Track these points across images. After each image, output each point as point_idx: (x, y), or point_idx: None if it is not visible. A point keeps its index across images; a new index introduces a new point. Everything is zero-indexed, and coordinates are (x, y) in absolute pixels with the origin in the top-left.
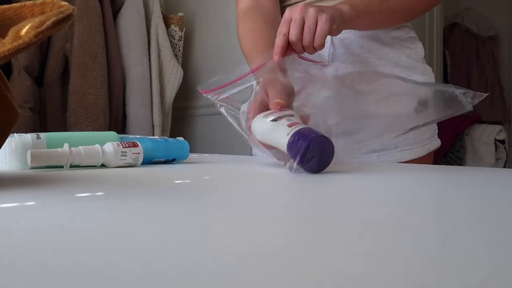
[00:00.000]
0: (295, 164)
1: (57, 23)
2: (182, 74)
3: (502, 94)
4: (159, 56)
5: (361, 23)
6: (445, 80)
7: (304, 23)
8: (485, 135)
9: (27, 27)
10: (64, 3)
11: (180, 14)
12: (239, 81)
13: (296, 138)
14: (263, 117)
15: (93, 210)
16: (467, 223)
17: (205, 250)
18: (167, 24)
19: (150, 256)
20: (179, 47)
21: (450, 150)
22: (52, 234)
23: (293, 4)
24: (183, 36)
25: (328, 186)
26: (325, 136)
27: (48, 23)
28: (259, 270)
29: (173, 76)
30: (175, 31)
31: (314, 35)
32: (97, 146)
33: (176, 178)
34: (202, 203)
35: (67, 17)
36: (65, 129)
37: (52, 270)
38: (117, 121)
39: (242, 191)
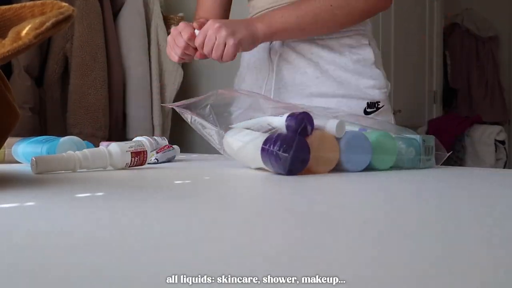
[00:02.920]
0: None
1: (57, 24)
2: (182, 75)
3: (502, 95)
4: (159, 57)
5: (278, 38)
6: (445, 80)
7: (216, 38)
8: (485, 136)
9: (27, 28)
10: (64, 4)
11: (180, 14)
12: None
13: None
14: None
15: (93, 210)
16: (467, 223)
17: (205, 250)
18: (167, 24)
19: (150, 256)
20: None
21: (450, 150)
22: (52, 234)
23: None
24: None
25: (329, 186)
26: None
27: (48, 24)
28: (259, 270)
29: (173, 77)
30: None
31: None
32: (103, 148)
33: (176, 178)
34: (202, 203)
35: (67, 18)
36: (65, 129)
37: (52, 270)
38: (117, 121)
39: (242, 191)
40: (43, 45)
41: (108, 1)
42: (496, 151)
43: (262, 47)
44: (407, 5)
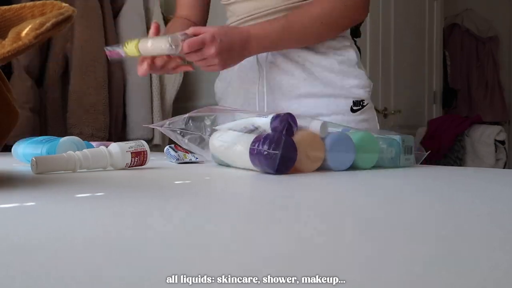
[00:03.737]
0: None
1: (57, 25)
2: (182, 75)
3: (502, 95)
4: None
5: (267, 51)
6: (445, 80)
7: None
8: (485, 136)
9: (27, 28)
10: (64, 4)
11: None
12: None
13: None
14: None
15: (93, 210)
16: (467, 223)
17: (206, 250)
18: (167, 24)
19: (150, 256)
20: None
21: (450, 150)
22: (52, 234)
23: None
24: None
25: (329, 186)
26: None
27: (48, 24)
28: (259, 270)
29: (173, 77)
30: None
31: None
32: (103, 148)
33: (176, 178)
34: (202, 204)
35: (67, 19)
36: (65, 129)
37: (52, 270)
38: (117, 121)
39: (242, 191)
40: (43, 45)
41: (108, 1)
42: (496, 151)
43: None
44: (407, 5)
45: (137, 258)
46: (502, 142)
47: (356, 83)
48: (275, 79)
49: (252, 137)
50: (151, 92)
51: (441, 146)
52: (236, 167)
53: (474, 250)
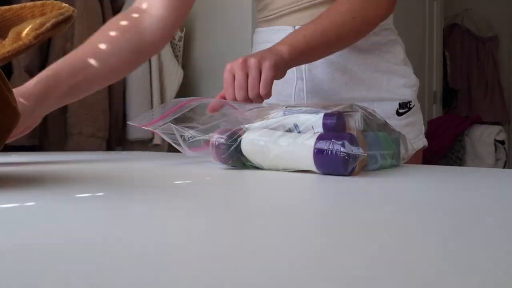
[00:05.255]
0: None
1: (57, 25)
2: (182, 75)
3: (502, 95)
4: (159, 57)
5: (305, 59)
6: (445, 81)
7: (247, 77)
8: (484, 136)
9: (27, 28)
10: (64, 4)
11: None
12: (171, 113)
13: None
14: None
15: (93, 210)
16: (467, 223)
17: (206, 251)
18: None
19: (150, 256)
20: (179, 47)
21: (450, 150)
22: (52, 234)
23: (275, 13)
24: (183, 36)
25: (329, 186)
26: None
27: (48, 25)
28: (259, 270)
29: (173, 77)
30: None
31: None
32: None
33: (176, 178)
34: (203, 204)
35: (67, 19)
36: (65, 129)
37: (52, 270)
38: (117, 121)
39: (243, 191)
40: (43, 45)
41: (108, 1)
42: (495, 151)
43: None
44: (407, 5)
45: (137, 258)
46: (502, 142)
47: (402, 82)
48: (314, 81)
49: (301, 136)
50: (151, 92)
51: (441, 146)
52: (275, 170)
53: (474, 250)
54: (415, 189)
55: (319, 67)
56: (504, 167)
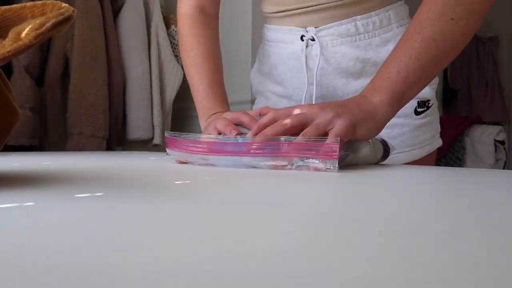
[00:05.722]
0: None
1: (57, 25)
2: (182, 75)
3: (502, 95)
4: (159, 56)
5: (407, 100)
6: (445, 81)
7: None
8: (484, 136)
9: (27, 28)
10: (64, 4)
11: None
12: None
13: None
14: None
15: (93, 210)
16: (467, 223)
17: (206, 251)
18: (167, 24)
19: (150, 256)
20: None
21: (449, 150)
22: (52, 235)
23: (284, 12)
24: None
25: (329, 185)
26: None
27: (48, 25)
28: (259, 271)
29: (173, 77)
30: (175, 31)
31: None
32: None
33: (176, 178)
34: (203, 204)
35: (67, 19)
36: (65, 129)
37: (51, 270)
38: (117, 121)
39: (243, 191)
40: (43, 45)
41: (108, 1)
42: (495, 151)
43: (294, 52)
44: (407, 5)
45: (137, 258)
46: (502, 142)
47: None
48: (328, 88)
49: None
50: (151, 92)
51: (441, 146)
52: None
53: (474, 250)
54: (415, 189)
55: (332, 73)
56: (504, 167)
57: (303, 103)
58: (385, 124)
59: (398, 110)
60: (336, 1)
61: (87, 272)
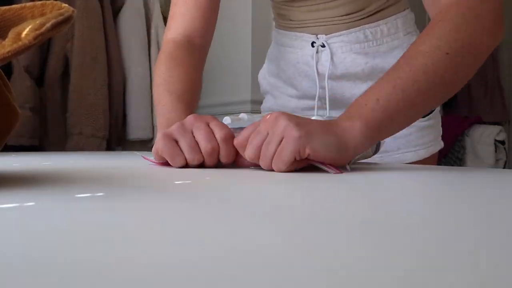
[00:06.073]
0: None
1: (57, 25)
2: None
3: (502, 95)
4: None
5: (385, 135)
6: None
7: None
8: (485, 136)
9: (27, 29)
10: (64, 5)
11: None
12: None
13: None
14: None
15: (93, 210)
16: (467, 223)
17: (206, 251)
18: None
19: (150, 256)
20: None
21: (450, 150)
22: (52, 235)
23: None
24: None
25: (330, 185)
26: None
27: (48, 25)
28: (259, 271)
29: None
30: None
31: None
32: None
33: (177, 178)
34: (203, 204)
35: (67, 19)
36: (65, 129)
37: (51, 270)
38: (117, 121)
39: (243, 191)
40: (43, 45)
41: (108, 1)
42: (496, 151)
43: (304, 57)
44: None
45: (137, 258)
46: (502, 142)
47: None
48: (337, 92)
49: None
50: (151, 92)
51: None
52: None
53: (474, 250)
54: (415, 189)
55: (340, 78)
56: (504, 167)
57: (315, 111)
58: (352, 150)
59: (373, 141)
60: (347, 14)
61: (88, 272)
